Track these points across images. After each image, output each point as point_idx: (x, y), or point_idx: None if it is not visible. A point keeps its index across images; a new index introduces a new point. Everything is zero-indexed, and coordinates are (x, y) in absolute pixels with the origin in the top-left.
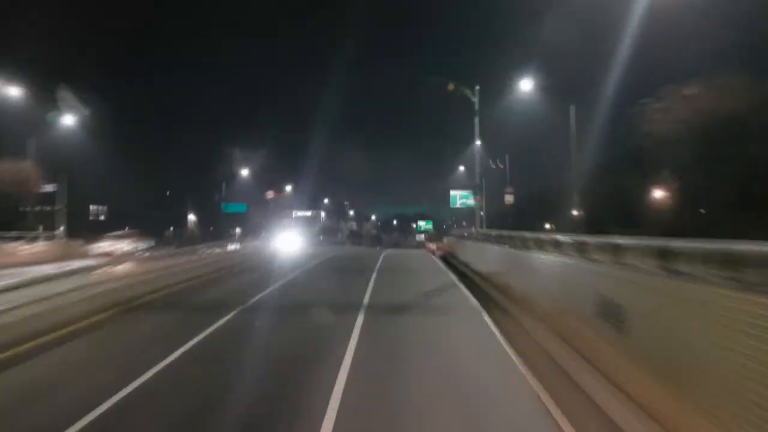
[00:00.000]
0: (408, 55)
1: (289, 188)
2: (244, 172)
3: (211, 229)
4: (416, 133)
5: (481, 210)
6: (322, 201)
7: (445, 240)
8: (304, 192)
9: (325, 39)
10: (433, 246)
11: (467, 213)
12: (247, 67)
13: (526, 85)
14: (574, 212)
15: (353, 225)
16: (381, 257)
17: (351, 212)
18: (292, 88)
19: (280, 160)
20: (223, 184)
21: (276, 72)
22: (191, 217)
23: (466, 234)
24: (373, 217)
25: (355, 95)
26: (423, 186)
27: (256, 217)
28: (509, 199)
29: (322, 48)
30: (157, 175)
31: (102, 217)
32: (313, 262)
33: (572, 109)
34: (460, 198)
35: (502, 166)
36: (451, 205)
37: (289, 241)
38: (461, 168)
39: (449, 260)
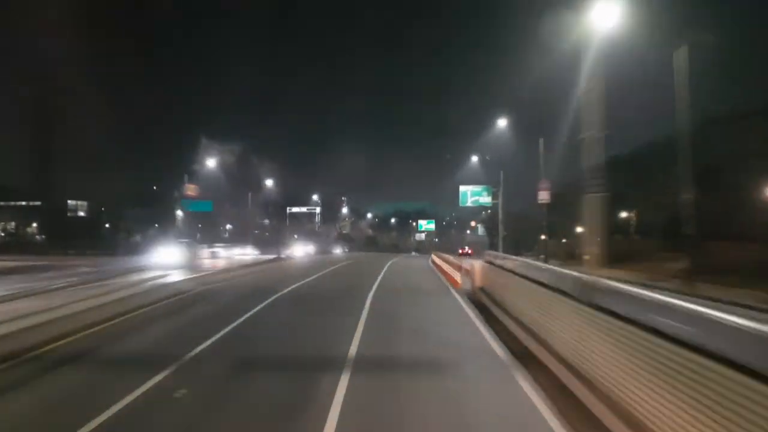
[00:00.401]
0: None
1: (270, 182)
2: (211, 163)
3: (200, 225)
4: (417, 121)
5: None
6: (319, 197)
7: (475, 264)
8: (297, 187)
9: (315, 23)
10: (448, 267)
11: (470, 213)
12: (229, 49)
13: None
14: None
15: (345, 226)
16: (368, 302)
17: (344, 210)
18: (278, 71)
19: (268, 152)
20: (185, 177)
21: (262, 53)
22: (180, 214)
23: (531, 263)
24: (369, 215)
25: (350, 78)
26: (424, 180)
27: (227, 217)
28: (544, 197)
29: (312, 31)
30: (148, 166)
31: (81, 213)
32: (233, 321)
33: (681, 54)
34: (472, 195)
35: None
36: (460, 204)
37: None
38: (474, 158)
39: (495, 316)
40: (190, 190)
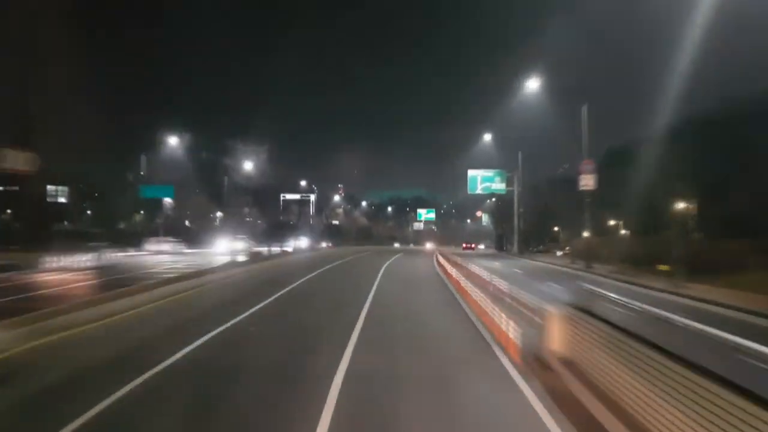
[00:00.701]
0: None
1: (249, 166)
2: (173, 141)
3: (188, 212)
4: (415, 104)
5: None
6: (308, 183)
7: (551, 310)
8: (294, 174)
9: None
10: (475, 289)
11: (472, 201)
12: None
13: None
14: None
15: (334, 215)
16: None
17: (336, 198)
18: (267, 57)
19: (260, 139)
20: (142, 158)
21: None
22: (168, 201)
23: None
24: (364, 203)
25: (344, 60)
26: (422, 167)
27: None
28: (588, 182)
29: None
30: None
31: (62, 200)
32: None
33: None
34: (482, 181)
35: None
36: (469, 190)
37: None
38: (487, 137)
39: None
40: (21, 159)
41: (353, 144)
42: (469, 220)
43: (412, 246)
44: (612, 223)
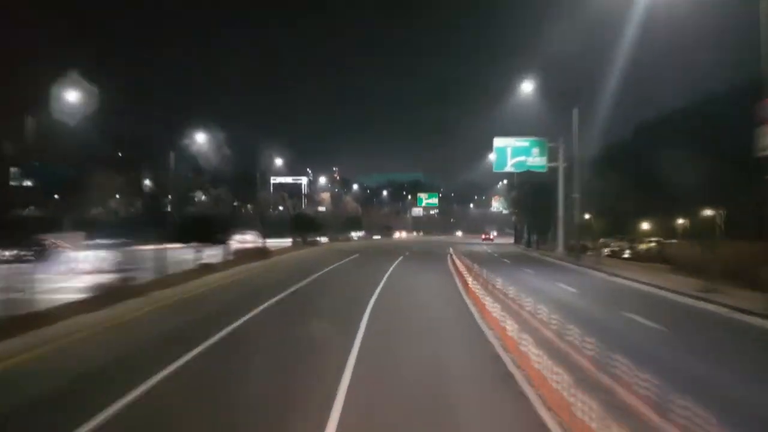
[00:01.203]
0: None
1: (201, 138)
2: (72, 97)
3: (172, 201)
4: (414, 81)
5: None
6: (284, 162)
7: None
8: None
9: None
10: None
11: (472, 187)
12: None
13: None
14: None
15: (322, 200)
16: None
17: (322, 179)
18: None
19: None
20: (29, 121)
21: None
22: (148, 183)
23: None
24: (356, 187)
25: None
26: (417, 148)
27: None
28: None
29: None
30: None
31: (28, 183)
32: None
33: None
34: (513, 154)
35: None
36: (495, 168)
37: None
38: (526, 89)
39: None
40: None
41: (348, 122)
42: (472, 205)
43: (417, 235)
44: (710, 213)
